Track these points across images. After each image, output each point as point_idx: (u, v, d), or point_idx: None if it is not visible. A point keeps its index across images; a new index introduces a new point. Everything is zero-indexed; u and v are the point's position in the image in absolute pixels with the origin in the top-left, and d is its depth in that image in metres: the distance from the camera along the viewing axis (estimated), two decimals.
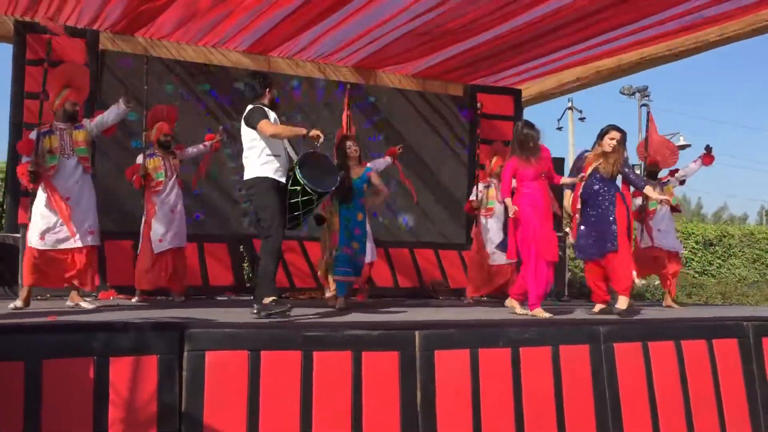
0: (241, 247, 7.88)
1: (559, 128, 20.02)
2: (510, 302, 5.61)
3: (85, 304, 5.10)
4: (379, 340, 3.95)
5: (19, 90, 6.79)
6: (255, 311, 4.46)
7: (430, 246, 8.59)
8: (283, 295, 7.09)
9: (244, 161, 4.73)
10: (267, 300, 4.43)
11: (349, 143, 5.70)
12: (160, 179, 6.16)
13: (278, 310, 4.38)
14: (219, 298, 6.88)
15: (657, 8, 7.07)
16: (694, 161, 7.25)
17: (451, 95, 9.46)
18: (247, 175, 4.69)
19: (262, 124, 4.54)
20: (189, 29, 7.92)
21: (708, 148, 7.17)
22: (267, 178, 4.58)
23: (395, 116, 8.98)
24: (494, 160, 7.34)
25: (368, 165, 5.88)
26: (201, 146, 6.60)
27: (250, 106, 4.73)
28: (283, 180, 4.62)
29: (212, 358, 3.55)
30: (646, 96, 22.27)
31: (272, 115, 4.69)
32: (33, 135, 5.02)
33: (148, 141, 6.29)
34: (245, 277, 7.96)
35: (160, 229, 6.14)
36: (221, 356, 3.57)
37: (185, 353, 3.51)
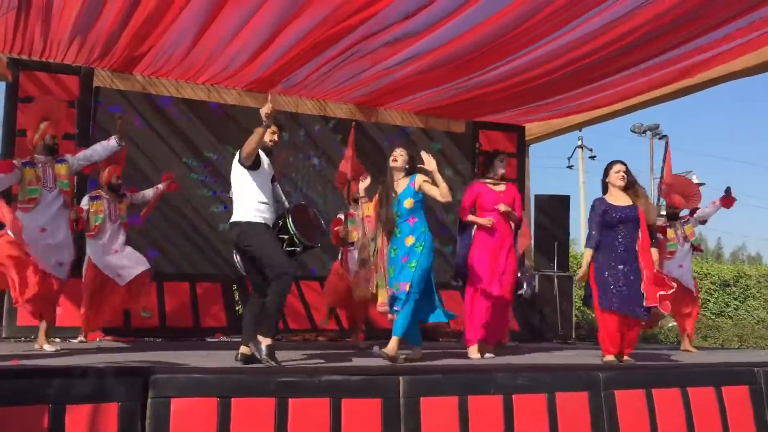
0: (234, 287, 7.69)
1: (570, 166, 19.85)
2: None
3: (48, 347, 4.96)
4: (360, 386, 3.70)
5: (11, 127, 6.74)
6: (240, 357, 4.23)
7: None
8: (276, 337, 6.87)
9: (236, 202, 4.43)
10: (267, 342, 4.18)
11: (398, 151, 4.86)
12: (97, 223, 6.04)
13: (274, 361, 4.12)
14: (209, 340, 6.66)
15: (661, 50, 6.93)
16: (713, 202, 7.03)
17: (453, 132, 9.32)
18: (236, 217, 4.38)
19: (243, 149, 4.29)
20: (188, 67, 7.90)
21: (728, 191, 6.94)
22: (257, 223, 4.31)
23: None
24: None
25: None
26: (156, 188, 6.50)
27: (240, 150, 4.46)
28: (270, 225, 4.40)
29: (178, 406, 3.32)
30: (658, 134, 22.20)
31: (264, 160, 4.45)
32: (16, 163, 5.00)
33: (99, 182, 6.24)
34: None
35: (104, 263, 6.05)
36: (188, 404, 3.34)
37: (149, 400, 3.29)
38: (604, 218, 4.91)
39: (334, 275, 6.43)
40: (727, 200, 6.90)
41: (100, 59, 7.47)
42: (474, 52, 6.99)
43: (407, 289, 4.55)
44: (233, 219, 4.39)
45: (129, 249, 6.21)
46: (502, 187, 5.47)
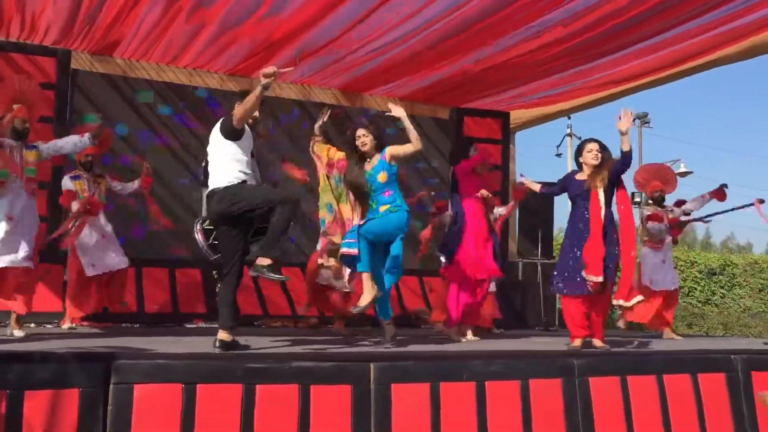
0: (215, 273, 7.61)
1: (558, 154, 19.77)
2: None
3: (18, 333, 4.84)
4: (330, 372, 3.65)
5: None
6: (219, 344, 4.08)
7: (414, 273, 8.27)
8: (255, 323, 6.82)
9: (213, 173, 4.25)
10: (268, 261, 4.03)
11: (359, 133, 4.73)
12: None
13: (275, 274, 4.05)
14: (188, 326, 6.59)
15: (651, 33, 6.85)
16: (702, 195, 6.94)
17: (438, 118, 9.24)
18: (214, 184, 4.18)
19: (236, 114, 4.11)
20: (169, 50, 7.78)
21: (723, 187, 6.85)
22: (236, 183, 4.15)
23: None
24: None
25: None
26: (130, 184, 6.34)
27: (223, 118, 4.32)
28: None
29: (141, 392, 3.26)
30: (646, 123, 22.13)
31: (246, 131, 4.30)
32: None
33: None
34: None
35: (90, 254, 5.90)
36: (151, 390, 3.28)
37: (111, 386, 3.23)
38: (566, 190, 5.02)
39: (313, 266, 6.27)
40: (720, 194, 6.80)
41: (81, 40, 7.34)
42: (459, 35, 6.91)
43: None
44: (211, 188, 4.21)
45: (112, 238, 6.11)
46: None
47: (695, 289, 15.03)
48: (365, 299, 4.57)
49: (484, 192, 5.57)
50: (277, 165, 8.40)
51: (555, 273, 5.00)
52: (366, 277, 4.60)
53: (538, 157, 52.61)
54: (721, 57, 7.42)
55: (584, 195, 4.87)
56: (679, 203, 6.94)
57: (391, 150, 4.64)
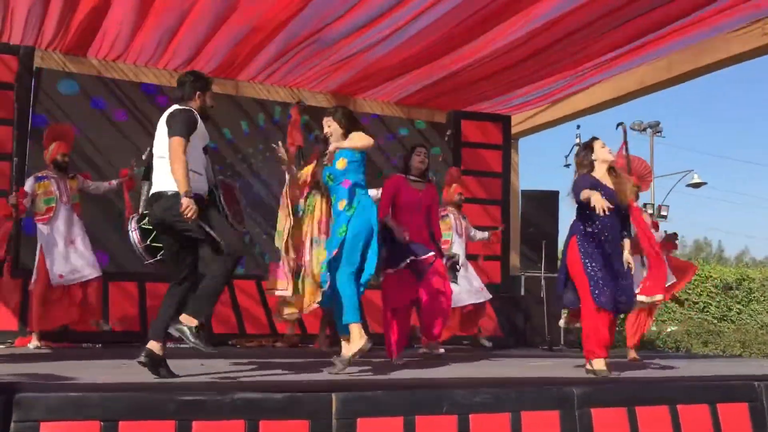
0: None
1: (567, 165, 19.13)
2: None
3: None
4: (283, 405, 3.09)
5: None
6: (146, 355, 3.60)
7: None
8: (230, 342, 6.28)
9: (160, 171, 3.70)
10: (194, 323, 3.53)
11: (323, 121, 4.34)
12: (51, 205, 5.49)
13: (203, 345, 3.51)
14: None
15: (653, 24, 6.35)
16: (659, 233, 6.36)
17: (435, 122, 8.71)
18: (162, 186, 3.64)
19: (175, 141, 3.59)
20: (146, 50, 7.36)
21: (673, 236, 6.31)
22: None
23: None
24: (453, 187, 6.70)
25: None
26: (107, 184, 5.95)
27: (175, 107, 3.78)
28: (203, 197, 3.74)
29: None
30: (658, 132, 21.54)
31: (201, 127, 3.80)
32: None
33: (44, 162, 5.73)
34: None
35: (59, 264, 5.47)
36: (61, 428, 2.74)
37: (12, 425, 2.69)
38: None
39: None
40: (670, 244, 6.28)
41: (51, 40, 6.92)
42: (452, 30, 6.44)
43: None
44: (157, 189, 3.66)
45: (86, 244, 5.67)
46: (421, 186, 5.13)
47: (710, 304, 14.43)
48: (353, 348, 3.95)
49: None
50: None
51: (593, 283, 4.29)
52: (355, 327, 3.99)
53: (544, 166, 51.69)
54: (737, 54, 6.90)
55: (613, 202, 4.25)
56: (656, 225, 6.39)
57: (351, 136, 4.10)
